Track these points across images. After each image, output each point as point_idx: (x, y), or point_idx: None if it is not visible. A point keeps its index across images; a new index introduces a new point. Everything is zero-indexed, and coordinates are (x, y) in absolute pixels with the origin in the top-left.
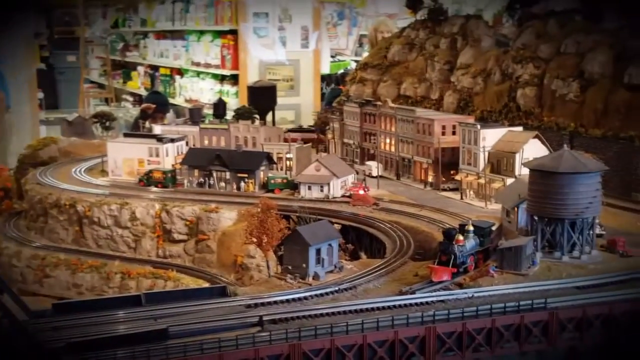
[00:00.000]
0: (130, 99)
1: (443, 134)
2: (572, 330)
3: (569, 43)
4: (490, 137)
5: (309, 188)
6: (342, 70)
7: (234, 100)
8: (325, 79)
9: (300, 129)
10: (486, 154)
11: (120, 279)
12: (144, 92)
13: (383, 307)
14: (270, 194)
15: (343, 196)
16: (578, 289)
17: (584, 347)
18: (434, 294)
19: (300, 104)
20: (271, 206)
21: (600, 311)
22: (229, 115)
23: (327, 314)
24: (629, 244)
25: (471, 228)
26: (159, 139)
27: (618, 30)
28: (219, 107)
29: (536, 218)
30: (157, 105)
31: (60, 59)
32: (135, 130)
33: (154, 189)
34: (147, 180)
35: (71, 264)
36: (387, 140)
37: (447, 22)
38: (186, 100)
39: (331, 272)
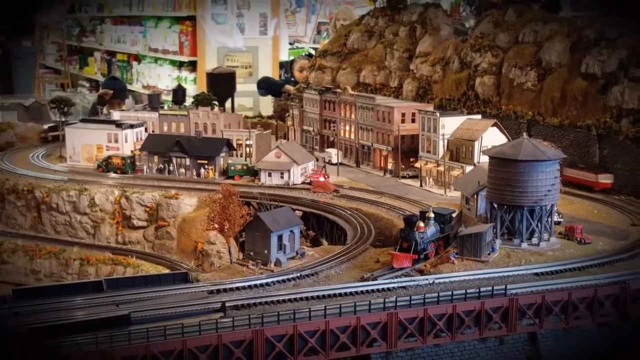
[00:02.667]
0: (87, 84)
1: (402, 121)
2: (531, 316)
3: (526, 32)
4: (450, 125)
5: (269, 175)
6: (291, 58)
7: (192, 86)
8: (283, 66)
9: None
10: (445, 141)
11: (79, 265)
12: (100, 78)
13: (345, 294)
14: (230, 181)
15: (303, 183)
16: (537, 276)
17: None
18: (395, 280)
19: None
20: (233, 192)
21: (559, 297)
22: (188, 101)
23: (290, 300)
24: (587, 231)
25: (432, 215)
26: (118, 124)
27: (575, 20)
28: (178, 94)
29: (495, 205)
30: (114, 91)
31: (16, 43)
32: (93, 116)
33: (112, 175)
34: (106, 166)
35: (29, 250)
36: (347, 128)
37: (406, 10)
38: (144, 87)
39: (293, 258)
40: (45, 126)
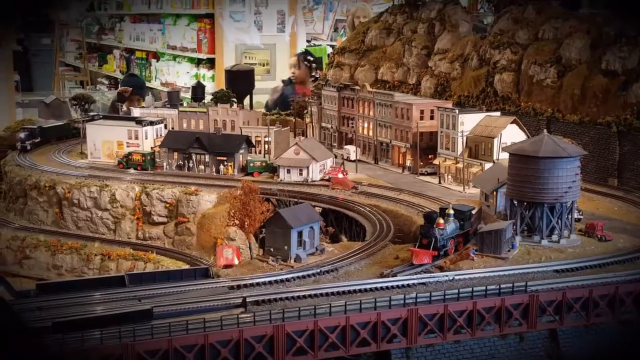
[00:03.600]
0: (106, 82)
1: (421, 118)
2: (551, 313)
3: (546, 29)
4: (469, 121)
5: (288, 171)
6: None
7: (210, 83)
8: None
9: None
10: (464, 138)
11: (100, 260)
12: (119, 75)
13: (365, 290)
14: (249, 177)
15: (322, 179)
16: (557, 273)
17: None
18: (415, 276)
19: (276, 88)
20: (254, 189)
21: (579, 294)
22: (207, 98)
23: (310, 295)
24: (607, 228)
25: (451, 212)
26: (138, 121)
27: (595, 17)
28: (198, 91)
29: (515, 202)
30: (134, 87)
31: (35, 41)
32: (113, 113)
33: (132, 171)
34: (126, 162)
35: (51, 245)
36: (365, 125)
37: (424, 7)
38: (162, 84)
39: (313, 254)
40: (22, 134)
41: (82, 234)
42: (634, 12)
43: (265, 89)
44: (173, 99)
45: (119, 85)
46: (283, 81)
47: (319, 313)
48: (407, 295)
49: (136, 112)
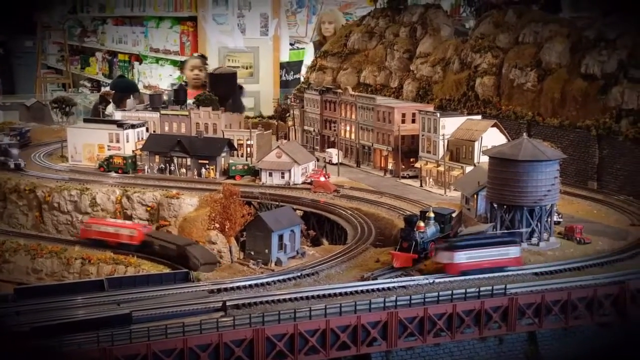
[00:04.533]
0: (88, 84)
1: (403, 121)
2: (531, 315)
3: (527, 33)
4: (450, 125)
5: (270, 175)
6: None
7: None
8: (284, 66)
9: None
10: (445, 142)
11: (80, 264)
12: (102, 78)
13: (345, 293)
14: (231, 181)
15: (304, 183)
16: (536, 275)
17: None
18: (395, 279)
19: (259, 91)
20: (234, 192)
21: (558, 297)
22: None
23: (290, 299)
24: (586, 231)
25: (432, 215)
26: (120, 124)
27: (575, 21)
28: (180, 93)
29: (495, 205)
30: (127, 90)
31: (17, 43)
32: (95, 116)
33: (114, 174)
34: (107, 165)
35: (31, 249)
36: (347, 128)
37: (406, 10)
38: (145, 87)
39: (293, 257)
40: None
41: (63, 238)
42: (613, 15)
43: (248, 92)
44: (155, 101)
45: (110, 88)
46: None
47: (299, 317)
48: (387, 299)
49: (118, 115)
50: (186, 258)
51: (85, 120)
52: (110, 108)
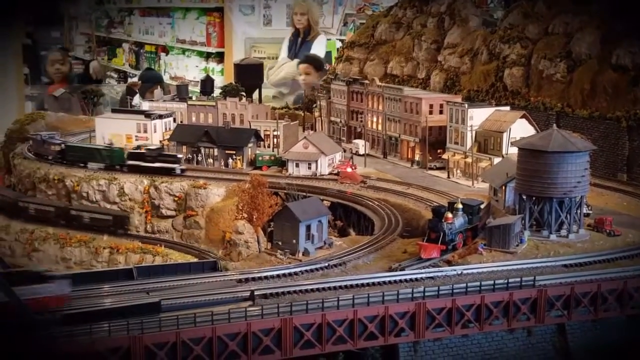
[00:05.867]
0: (115, 75)
1: (430, 112)
2: (560, 307)
3: (556, 23)
4: (478, 116)
5: (297, 165)
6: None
7: (219, 77)
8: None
9: None
10: (473, 133)
11: (108, 253)
12: (128, 69)
13: (373, 283)
14: (258, 171)
15: (330, 174)
16: (566, 267)
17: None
18: (423, 270)
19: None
20: (262, 182)
21: (587, 289)
22: (216, 92)
23: (318, 289)
24: (615, 224)
25: (460, 206)
26: (147, 115)
27: (605, 12)
28: (207, 84)
29: (524, 197)
30: (154, 81)
31: (45, 34)
32: (122, 107)
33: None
34: None
35: (60, 238)
36: (374, 119)
37: (434, 1)
38: (171, 78)
39: (321, 248)
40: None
41: None
42: None
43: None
44: (182, 92)
45: (138, 79)
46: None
47: (326, 306)
48: (415, 289)
49: (145, 105)
50: None
51: (113, 111)
52: (136, 99)
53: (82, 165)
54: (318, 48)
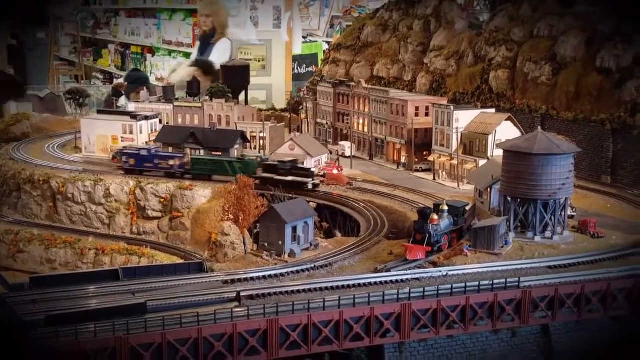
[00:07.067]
0: (101, 76)
1: (416, 115)
2: (544, 308)
3: (541, 26)
4: (463, 118)
5: None
6: None
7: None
8: (296, 59)
9: None
10: (459, 135)
11: (94, 255)
12: (114, 70)
13: (359, 285)
14: None
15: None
16: (550, 269)
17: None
18: (409, 272)
19: (271, 84)
20: (248, 184)
21: (572, 290)
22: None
23: (304, 290)
24: (600, 225)
25: (445, 208)
26: (133, 116)
27: (590, 14)
28: (193, 86)
29: (509, 199)
30: (138, 82)
31: (30, 35)
32: (108, 108)
33: None
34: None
35: (45, 240)
36: (360, 121)
37: (420, 3)
38: (157, 79)
39: (307, 249)
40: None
41: (76, 229)
42: (629, 10)
43: (260, 85)
44: (168, 93)
45: (124, 80)
46: None
47: (312, 307)
48: (400, 291)
49: (131, 106)
50: None
51: (99, 112)
52: (122, 100)
53: (207, 178)
54: (220, 52)
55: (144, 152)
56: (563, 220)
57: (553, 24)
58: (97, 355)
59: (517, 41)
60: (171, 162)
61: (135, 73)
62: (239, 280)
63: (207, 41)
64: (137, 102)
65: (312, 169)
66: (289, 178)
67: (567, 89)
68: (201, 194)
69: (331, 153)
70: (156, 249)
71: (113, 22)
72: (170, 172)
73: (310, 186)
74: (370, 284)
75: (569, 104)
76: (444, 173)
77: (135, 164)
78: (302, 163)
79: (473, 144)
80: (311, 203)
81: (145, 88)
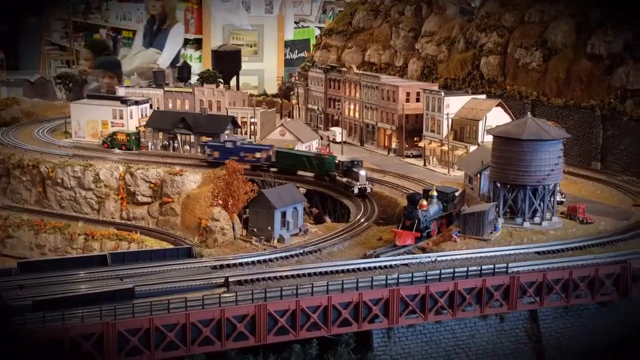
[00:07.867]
0: None
1: (407, 100)
2: (532, 294)
3: (532, 12)
4: (454, 104)
5: None
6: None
7: (198, 64)
8: (288, 45)
9: None
10: (450, 121)
11: (83, 240)
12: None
13: (347, 270)
14: None
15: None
16: (538, 254)
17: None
18: (397, 257)
19: (263, 69)
20: (237, 169)
21: (559, 276)
22: (193, 79)
23: (292, 276)
24: (589, 211)
25: (435, 193)
26: (123, 101)
27: (581, 1)
28: (184, 71)
29: (499, 184)
30: (108, 67)
31: (21, 20)
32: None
33: (117, 151)
34: (110, 142)
35: (34, 225)
36: (352, 106)
37: None
38: None
39: (296, 235)
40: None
41: (66, 214)
42: None
43: (252, 70)
44: (159, 78)
45: (95, 66)
46: None
47: (301, 293)
48: (389, 276)
49: (121, 91)
50: None
51: (89, 97)
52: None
53: (290, 173)
54: (174, 38)
55: (228, 145)
56: (552, 206)
57: (544, 9)
58: (85, 340)
59: (508, 27)
60: (258, 155)
61: (105, 58)
62: (228, 265)
63: (159, 27)
64: (111, 87)
65: (362, 173)
66: (344, 179)
67: (558, 75)
68: (191, 179)
69: (322, 139)
70: (146, 235)
71: (104, 7)
72: (256, 165)
73: (355, 190)
74: (358, 269)
75: (560, 90)
76: (435, 159)
77: (220, 156)
78: (358, 167)
79: (464, 129)
80: (301, 188)
81: (116, 74)
